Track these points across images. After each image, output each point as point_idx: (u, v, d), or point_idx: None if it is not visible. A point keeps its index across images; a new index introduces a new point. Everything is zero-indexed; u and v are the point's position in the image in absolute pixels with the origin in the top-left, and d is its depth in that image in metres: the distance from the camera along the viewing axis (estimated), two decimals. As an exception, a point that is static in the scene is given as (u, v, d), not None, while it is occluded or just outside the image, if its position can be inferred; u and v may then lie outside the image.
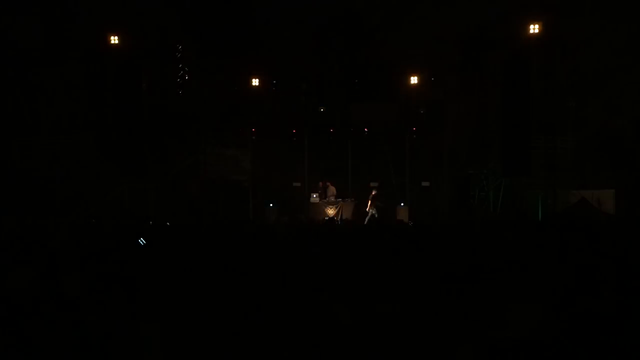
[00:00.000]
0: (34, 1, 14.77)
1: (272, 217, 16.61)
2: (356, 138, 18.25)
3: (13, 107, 14.87)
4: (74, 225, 10.10)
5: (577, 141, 15.34)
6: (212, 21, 15.75)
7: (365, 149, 18.10)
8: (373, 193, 16.70)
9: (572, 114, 15.76)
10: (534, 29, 14.08)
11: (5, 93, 14.72)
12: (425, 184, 17.34)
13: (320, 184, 17.59)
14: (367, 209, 16.58)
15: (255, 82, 16.88)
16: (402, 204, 17.08)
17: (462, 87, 16.26)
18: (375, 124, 17.73)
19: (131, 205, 15.28)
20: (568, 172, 15.27)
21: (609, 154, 13.73)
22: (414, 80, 16.59)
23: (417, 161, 17.44)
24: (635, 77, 13.19)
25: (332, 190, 17.60)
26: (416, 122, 17.85)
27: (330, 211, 17.02)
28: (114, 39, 14.61)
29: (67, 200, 14.67)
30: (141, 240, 11.03)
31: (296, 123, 18.05)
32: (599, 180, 14.54)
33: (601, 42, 13.46)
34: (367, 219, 16.25)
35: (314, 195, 17.38)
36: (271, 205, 17.32)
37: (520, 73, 14.65)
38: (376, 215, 16.26)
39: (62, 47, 14.38)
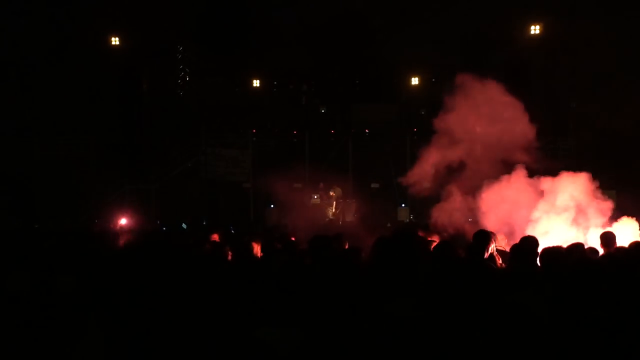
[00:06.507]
0: (35, 2, 14.77)
1: (272, 218, 16.58)
2: (357, 139, 18.21)
3: (13, 108, 14.86)
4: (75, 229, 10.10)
5: (578, 141, 15.29)
6: (212, 21, 15.74)
7: (366, 149, 18.05)
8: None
9: (573, 114, 15.73)
10: (535, 29, 14.10)
11: (6, 93, 14.72)
12: (425, 184, 17.27)
13: (321, 185, 17.53)
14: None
15: (255, 82, 16.86)
16: (402, 205, 17.04)
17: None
18: (376, 124, 17.68)
19: (131, 206, 15.26)
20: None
21: (610, 155, 13.69)
22: (415, 81, 16.56)
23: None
24: (635, 77, 13.17)
25: (338, 191, 17.54)
26: (417, 123, 17.81)
27: (331, 212, 16.98)
28: (115, 40, 14.63)
29: (67, 202, 14.66)
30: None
31: (296, 123, 18.02)
32: (600, 180, 14.47)
33: (601, 42, 13.44)
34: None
35: (315, 197, 17.32)
36: (272, 206, 17.29)
37: (521, 73, 14.64)
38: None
39: (63, 47, 14.37)
